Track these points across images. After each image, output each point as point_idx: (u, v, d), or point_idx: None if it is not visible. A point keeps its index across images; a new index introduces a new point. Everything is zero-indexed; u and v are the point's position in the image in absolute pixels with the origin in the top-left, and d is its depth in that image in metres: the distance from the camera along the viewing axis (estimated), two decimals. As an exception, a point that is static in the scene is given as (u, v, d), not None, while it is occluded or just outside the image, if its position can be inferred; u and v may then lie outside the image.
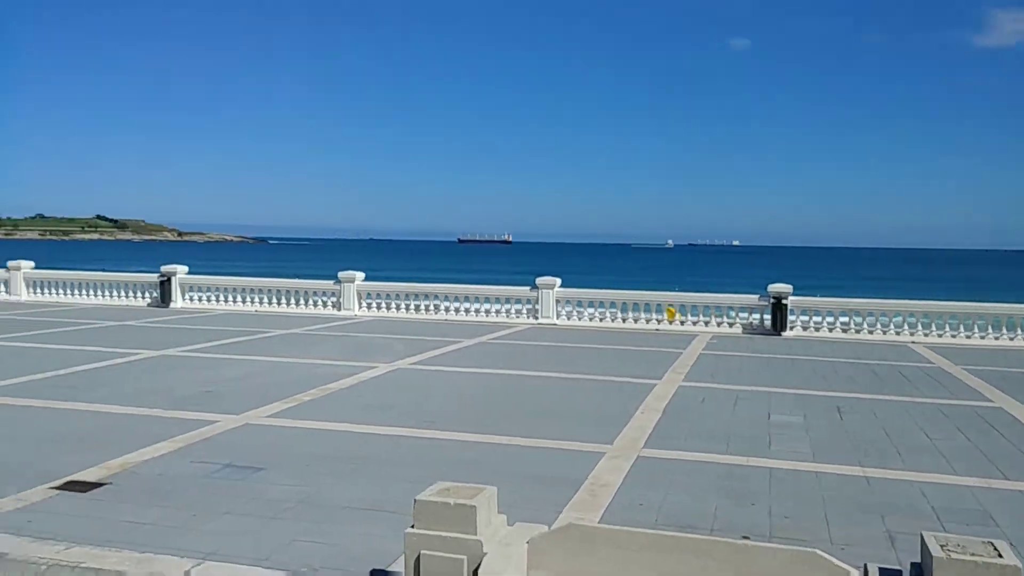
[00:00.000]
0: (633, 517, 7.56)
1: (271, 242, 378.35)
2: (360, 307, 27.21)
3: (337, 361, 16.93)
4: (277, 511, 7.67)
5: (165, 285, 27.99)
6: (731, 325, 24.57)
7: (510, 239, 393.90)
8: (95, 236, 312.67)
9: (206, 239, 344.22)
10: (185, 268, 28.71)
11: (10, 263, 29.36)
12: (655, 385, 14.76)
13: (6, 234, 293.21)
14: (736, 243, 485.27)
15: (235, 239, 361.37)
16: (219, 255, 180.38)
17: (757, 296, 24.49)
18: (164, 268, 28.22)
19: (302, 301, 27.68)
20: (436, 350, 18.91)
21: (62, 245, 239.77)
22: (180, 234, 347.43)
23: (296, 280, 28.75)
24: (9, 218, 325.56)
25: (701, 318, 24.93)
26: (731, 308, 24.83)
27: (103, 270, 37.14)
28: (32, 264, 29.86)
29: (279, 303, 27.79)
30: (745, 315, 24.63)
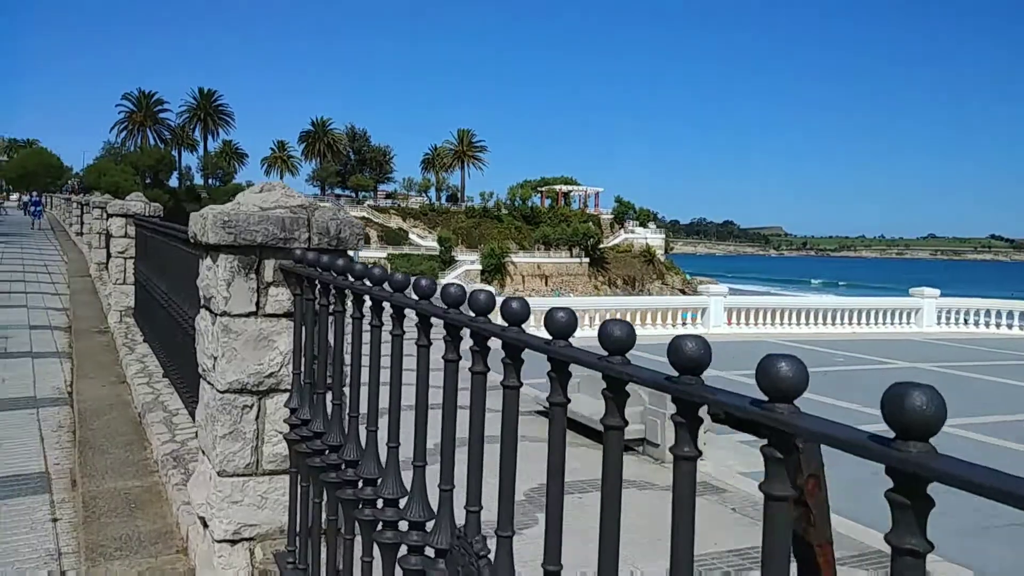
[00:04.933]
0: None
1: None
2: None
3: None
4: None
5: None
6: None
7: None
8: (988, 256, 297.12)
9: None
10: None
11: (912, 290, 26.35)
12: None
13: (898, 253, 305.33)
14: None
15: None
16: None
17: None
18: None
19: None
20: None
21: (951, 265, 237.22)
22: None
23: None
24: (901, 238, 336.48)
25: None
26: None
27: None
28: (937, 292, 26.14)
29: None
30: None
